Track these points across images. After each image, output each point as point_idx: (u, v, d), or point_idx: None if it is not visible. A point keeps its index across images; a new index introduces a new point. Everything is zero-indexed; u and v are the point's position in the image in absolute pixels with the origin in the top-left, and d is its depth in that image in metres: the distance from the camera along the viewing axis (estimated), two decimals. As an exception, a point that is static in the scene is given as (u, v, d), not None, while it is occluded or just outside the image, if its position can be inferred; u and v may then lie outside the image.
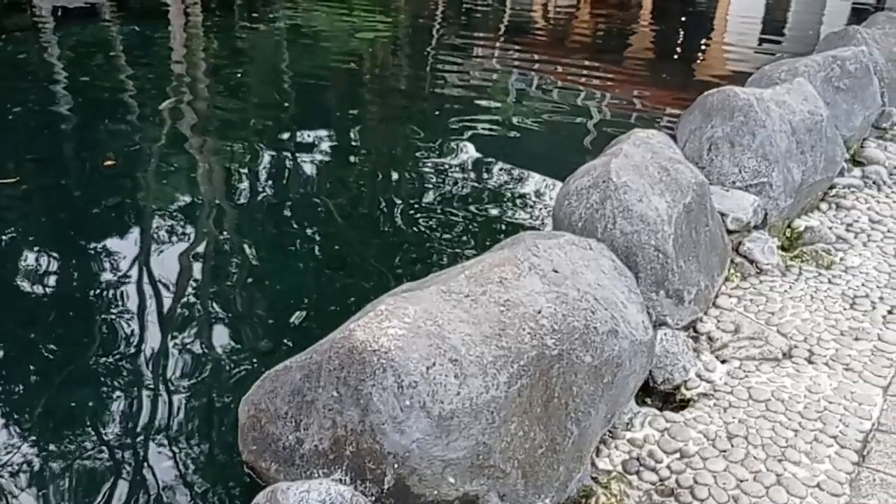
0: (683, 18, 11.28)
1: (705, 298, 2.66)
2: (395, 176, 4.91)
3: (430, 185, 4.70)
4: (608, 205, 2.50)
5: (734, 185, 3.17)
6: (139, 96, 6.11)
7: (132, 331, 2.90)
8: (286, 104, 6.34)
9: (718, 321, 2.63)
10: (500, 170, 4.92)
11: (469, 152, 5.22)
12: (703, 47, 9.65)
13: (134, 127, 5.39)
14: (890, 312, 2.71)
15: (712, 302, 2.73)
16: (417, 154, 5.26)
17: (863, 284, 2.88)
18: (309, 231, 4.07)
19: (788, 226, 3.30)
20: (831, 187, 3.63)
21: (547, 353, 1.86)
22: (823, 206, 3.52)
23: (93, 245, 3.67)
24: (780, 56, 7.57)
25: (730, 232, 2.99)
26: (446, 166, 4.97)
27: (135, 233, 3.84)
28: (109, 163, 4.44)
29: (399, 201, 4.51)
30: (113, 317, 3.00)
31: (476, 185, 4.67)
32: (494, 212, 4.34)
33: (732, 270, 2.92)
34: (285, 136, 5.47)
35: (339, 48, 8.30)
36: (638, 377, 2.20)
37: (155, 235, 3.81)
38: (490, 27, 10.23)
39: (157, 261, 3.52)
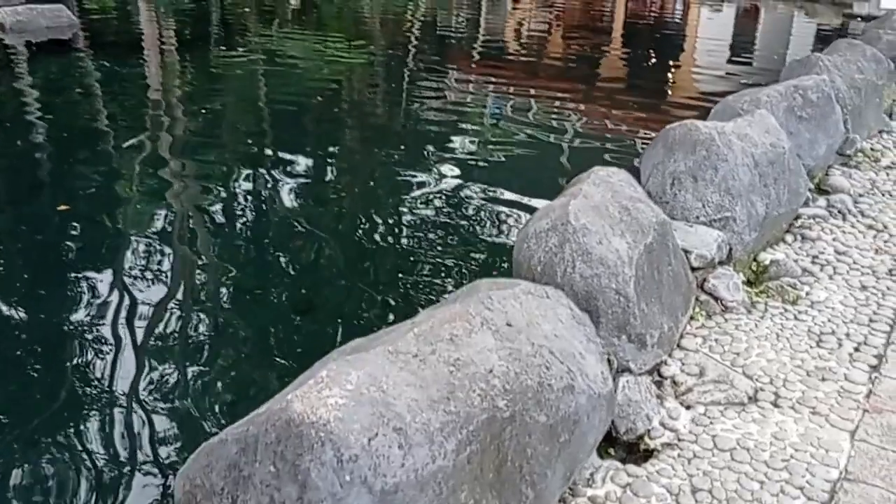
0: (653, 43, 11.41)
1: (669, 340, 2.61)
2: (368, 209, 4.85)
3: (403, 219, 4.65)
4: (567, 248, 2.44)
5: (698, 220, 3.13)
6: (112, 130, 6.04)
7: (78, 386, 2.79)
8: (257, 137, 6.28)
9: (683, 364, 2.58)
10: (475, 200, 4.88)
11: (443, 182, 5.19)
12: (672, 70, 9.75)
13: (103, 162, 5.31)
14: (857, 350, 2.67)
15: (676, 343, 2.67)
16: (391, 185, 5.21)
17: (829, 320, 2.84)
18: (276, 272, 4.00)
19: (754, 259, 3.26)
20: (797, 218, 3.61)
21: (498, 415, 1.78)
22: (789, 237, 3.49)
23: (46, 290, 3.57)
24: (746, 83, 7.66)
25: (694, 269, 2.94)
26: (419, 197, 4.93)
27: (97, 274, 3.74)
28: (64, 207, 4.34)
29: (371, 237, 4.45)
30: (61, 368, 2.89)
31: (449, 218, 4.63)
32: (466, 246, 4.29)
33: (697, 309, 2.87)
34: (258, 168, 5.41)
35: (314, 76, 8.28)
36: (598, 431, 2.13)
37: (117, 278, 3.71)
38: (463, 53, 10.28)
39: (114, 307, 3.42)
